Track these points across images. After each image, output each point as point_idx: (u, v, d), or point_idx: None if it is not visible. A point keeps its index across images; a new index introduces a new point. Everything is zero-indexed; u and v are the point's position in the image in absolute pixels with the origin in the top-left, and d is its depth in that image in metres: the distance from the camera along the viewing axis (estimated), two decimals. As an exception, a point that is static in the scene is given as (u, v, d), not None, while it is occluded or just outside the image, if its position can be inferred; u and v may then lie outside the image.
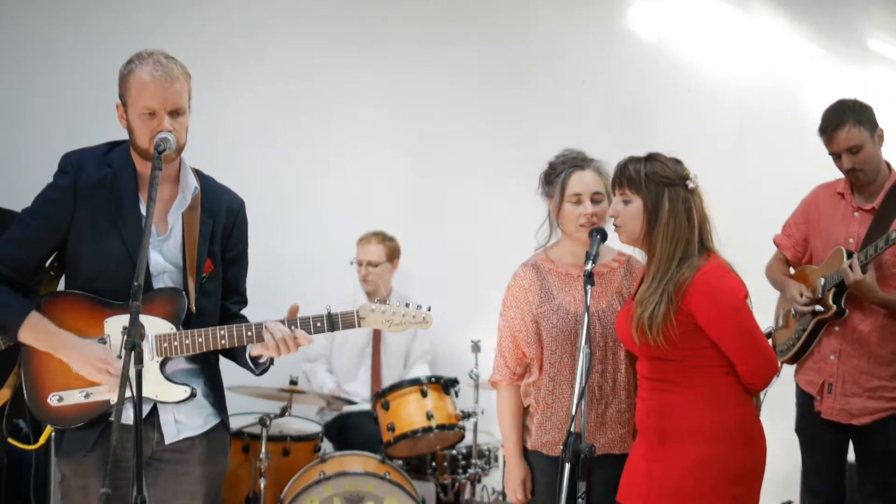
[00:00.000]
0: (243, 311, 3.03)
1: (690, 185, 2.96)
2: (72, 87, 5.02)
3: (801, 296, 3.80)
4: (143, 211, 2.77)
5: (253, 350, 2.83)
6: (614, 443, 3.20)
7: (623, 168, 3.03)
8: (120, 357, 2.63)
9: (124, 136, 2.83)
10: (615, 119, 5.69)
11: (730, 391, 2.93)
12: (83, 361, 2.71)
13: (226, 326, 2.78)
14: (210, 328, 2.77)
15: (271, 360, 2.91)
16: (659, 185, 2.95)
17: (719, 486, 2.89)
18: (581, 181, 3.19)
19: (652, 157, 3.01)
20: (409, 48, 5.69)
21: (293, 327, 2.78)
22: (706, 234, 3.01)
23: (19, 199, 2.93)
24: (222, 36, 5.43)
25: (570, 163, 3.22)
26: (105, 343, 2.75)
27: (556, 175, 3.23)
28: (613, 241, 3.19)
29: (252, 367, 2.90)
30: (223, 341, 2.77)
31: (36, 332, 2.72)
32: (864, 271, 3.56)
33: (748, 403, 2.99)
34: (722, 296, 2.92)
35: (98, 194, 2.76)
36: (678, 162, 3.02)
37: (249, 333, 2.78)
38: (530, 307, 3.22)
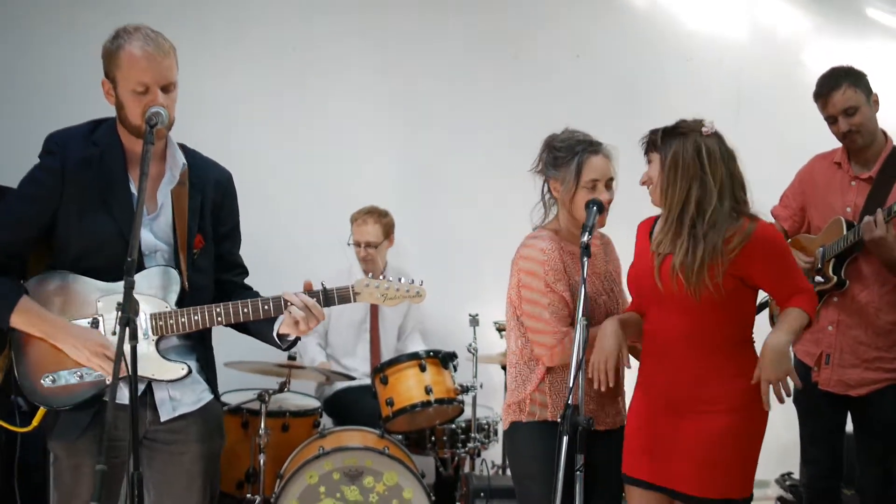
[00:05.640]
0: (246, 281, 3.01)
1: (705, 131, 2.93)
2: (61, 64, 4.98)
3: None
4: (133, 189, 2.75)
5: (281, 329, 2.81)
6: (613, 419, 3.21)
7: (648, 135, 3.02)
8: (115, 334, 2.62)
9: (105, 114, 2.79)
10: (611, 92, 5.65)
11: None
12: (80, 347, 2.68)
13: (230, 303, 2.76)
14: (206, 306, 2.75)
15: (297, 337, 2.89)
16: (673, 138, 2.94)
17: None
18: (597, 167, 3.12)
19: (676, 123, 2.99)
20: (402, 22, 5.63)
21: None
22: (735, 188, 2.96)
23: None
24: (214, 10, 5.40)
25: (583, 146, 3.13)
26: (98, 324, 2.73)
27: (567, 158, 3.13)
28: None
29: (278, 342, 2.88)
30: (219, 318, 2.75)
31: (28, 317, 2.69)
32: None
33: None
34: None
35: (85, 174, 2.72)
36: (699, 120, 2.98)
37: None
38: (567, 277, 3.13)
